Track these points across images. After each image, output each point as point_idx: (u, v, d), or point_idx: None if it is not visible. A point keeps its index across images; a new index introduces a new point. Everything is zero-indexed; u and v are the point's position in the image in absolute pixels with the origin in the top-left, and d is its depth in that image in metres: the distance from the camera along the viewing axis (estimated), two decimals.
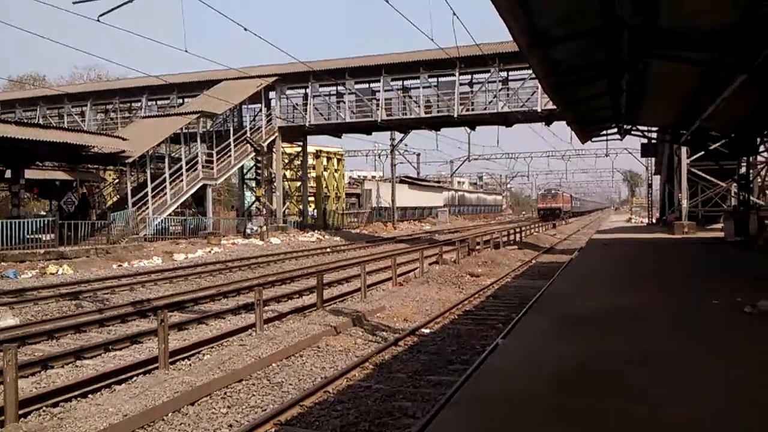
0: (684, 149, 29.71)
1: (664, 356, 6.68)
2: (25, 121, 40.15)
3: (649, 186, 61.97)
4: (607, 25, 10.04)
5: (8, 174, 29.15)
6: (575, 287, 12.43)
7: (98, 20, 13.51)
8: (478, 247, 26.70)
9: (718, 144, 26.32)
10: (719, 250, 20.94)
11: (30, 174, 29.77)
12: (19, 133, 24.23)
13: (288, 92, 41.03)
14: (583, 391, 5.53)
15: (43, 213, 39.41)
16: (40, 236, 25.29)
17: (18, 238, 23.86)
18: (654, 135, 30.21)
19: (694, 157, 30.35)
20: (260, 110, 41.18)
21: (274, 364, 9.09)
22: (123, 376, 8.66)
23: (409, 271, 20.07)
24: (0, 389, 7.01)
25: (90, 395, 8.02)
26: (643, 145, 32.34)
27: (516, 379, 5.99)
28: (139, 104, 45.47)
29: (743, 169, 27.08)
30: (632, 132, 26.46)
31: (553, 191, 79.32)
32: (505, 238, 31.46)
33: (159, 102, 45.73)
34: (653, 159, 47.58)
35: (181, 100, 43.39)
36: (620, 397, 5.33)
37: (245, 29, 14.63)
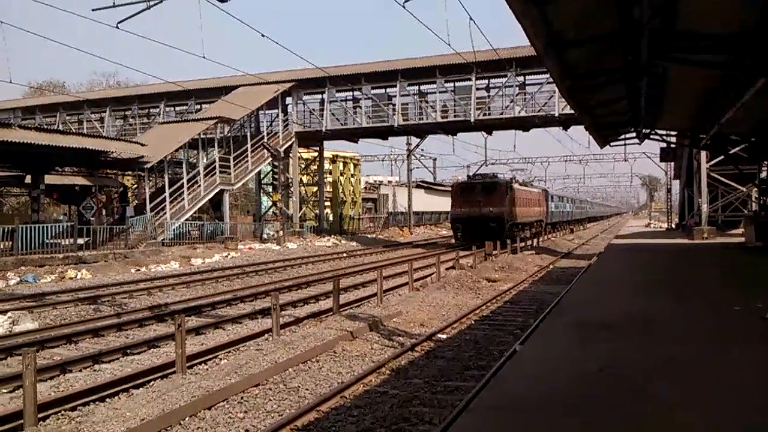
0: (703, 153, 29.41)
1: (683, 362, 6.59)
2: (46, 127, 40.61)
3: (668, 191, 61.41)
4: (625, 28, 9.97)
5: (28, 179, 29.51)
6: (594, 293, 12.32)
7: (117, 27, 13.64)
8: (494, 252, 26.58)
9: (738, 148, 26.01)
10: (739, 255, 20.68)
11: (50, 179, 30.13)
12: (40, 139, 24.49)
13: (305, 98, 41.16)
14: (601, 398, 5.47)
15: (62, 218, 39.85)
16: (59, 241, 25.53)
17: (37, 242, 24.11)
18: (673, 139, 29.92)
19: (714, 161, 30.01)
20: (277, 116, 41.32)
21: (290, 369, 9.08)
22: (141, 381, 8.69)
23: (425, 276, 20.02)
24: (19, 393, 7.06)
25: (108, 399, 8.05)
26: (662, 149, 32.02)
27: (534, 386, 5.94)
28: (157, 110, 45.84)
29: (764, 173, 26.74)
30: (651, 136, 26.26)
31: (488, 179, 36.19)
32: (522, 243, 31.29)
33: (177, 108, 46.07)
34: (672, 163, 47.15)
35: (198, 106, 43.68)
36: (639, 404, 5.26)
37: (262, 35, 14.76)
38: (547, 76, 27.97)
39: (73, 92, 58.41)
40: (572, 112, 22.12)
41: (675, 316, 9.39)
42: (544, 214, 46.16)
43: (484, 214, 33.54)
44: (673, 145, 31.02)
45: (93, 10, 13.82)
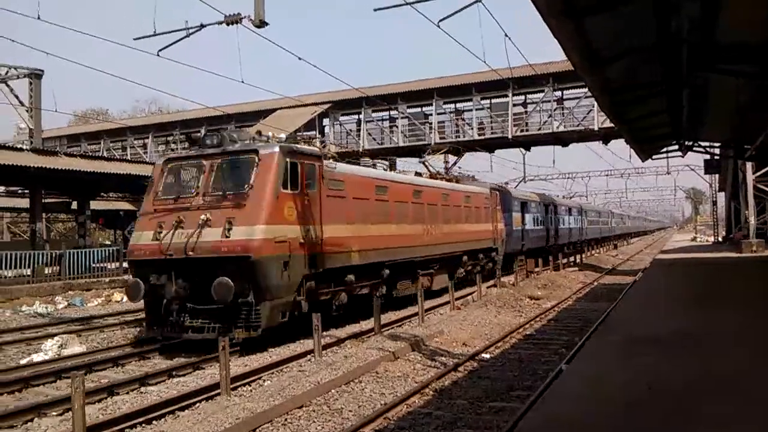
0: (749, 164, 28.72)
1: (733, 379, 6.39)
2: (90, 154, 41.70)
3: (714, 203, 59.98)
4: (663, 41, 9.83)
5: (75, 205, 30.27)
6: (640, 309, 12.06)
7: (158, 55, 13.96)
8: (536, 269, 26.26)
9: None
10: None
11: (95, 205, 30.87)
12: (85, 166, 25.14)
13: (341, 118, 41.51)
14: (652, 419, 5.32)
15: (107, 242, 40.75)
16: (105, 265, 26.08)
17: (84, 266, 24.67)
18: (717, 151, 29.29)
19: (760, 172, 29.26)
20: (314, 137, 41.73)
21: (333, 390, 9.06)
22: (186, 402, 8.77)
23: (466, 295, 19.86)
24: (68, 416, 7.18)
25: (154, 421, 8.14)
26: (706, 161, 31.35)
27: (582, 405, 5.81)
28: (198, 135, 46.68)
29: None
30: (694, 148, 25.75)
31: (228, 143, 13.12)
32: (564, 260, 30.87)
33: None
34: (717, 175, 46.09)
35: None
36: (691, 423, 5.10)
37: (299, 58, 14.88)
38: (585, 90, 27.71)
39: (116, 119, 59.96)
40: (612, 126, 21.82)
41: (725, 331, 9.13)
42: (502, 234, 25.98)
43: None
44: (717, 157, 30.37)
45: (135, 39, 14.19)
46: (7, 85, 28.00)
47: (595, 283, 25.02)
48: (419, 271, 17.95)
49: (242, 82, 18.81)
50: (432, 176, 22.37)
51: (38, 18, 12.10)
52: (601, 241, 55.11)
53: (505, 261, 26.19)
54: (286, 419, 7.86)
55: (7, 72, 24.03)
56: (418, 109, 38.90)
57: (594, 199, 77.85)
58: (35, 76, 25.12)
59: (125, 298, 21.41)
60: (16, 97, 29.01)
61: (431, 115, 38.14)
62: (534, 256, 30.10)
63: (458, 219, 21.27)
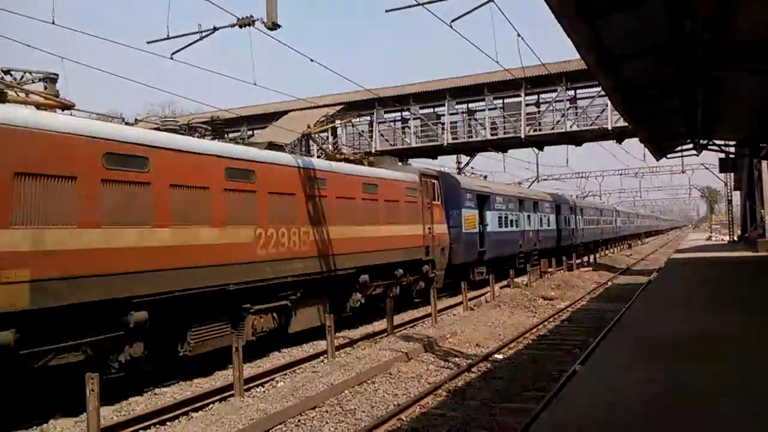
0: (764, 163, 28.46)
1: (750, 382, 6.32)
2: None
3: (729, 202, 59.45)
4: (677, 40, 9.76)
5: None
6: (655, 310, 11.97)
7: (171, 58, 14.01)
8: (550, 270, 26.15)
9: None
10: None
11: None
12: None
13: (354, 119, 41.55)
14: (667, 420, 5.28)
15: None
16: None
17: None
18: (732, 149, 29.04)
19: None
20: (327, 138, 41.81)
21: (346, 391, 9.07)
22: (200, 404, 8.82)
23: (480, 295, 19.81)
24: (83, 417, 7.24)
25: (168, 423, 8.19)
26: (721, 160, 31.08)
27: (596, 407, 5.77)
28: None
29: None
30: (709, 147, 25.54)
31: None
32: (578, 260, 30.72)
33: (230, 134, 47.04)
34: (732, 174, 45.68)
35: (251, 132, 44.53)
36: (706, 428, 5.06)
37: (311, 60, 14.89)
38: (599, 89, 27.55)
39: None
40: (626, 125, 21.69)
41: (741, 332, 9.04)
42: (442, 239, 19.66)
43: None
44: (732, 156, 30.12)
45: (148, 42, 14.24)
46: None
47: (610, 283, 24.88)
48: (249, 307, 11.51)
49: (255, 84, 18.87)
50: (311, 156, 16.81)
51: (53, 23, 12.17)
52: (603, 244, 48.68)
53: (458, 273, 21.16)
54: (299, 420, 7.88)
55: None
56: (431, 110, 38.89)
57: (608, 198, 77.10)
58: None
59: None
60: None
61: (443, 115, 38.10)
62: (500, 267, 24.18)
63: (348, 217, 14.72)
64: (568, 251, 33.71)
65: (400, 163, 20.77)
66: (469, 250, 22.28)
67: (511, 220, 27.52)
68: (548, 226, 33.34)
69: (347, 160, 16.87)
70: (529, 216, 30.08)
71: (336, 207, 14.31)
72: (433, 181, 19.73)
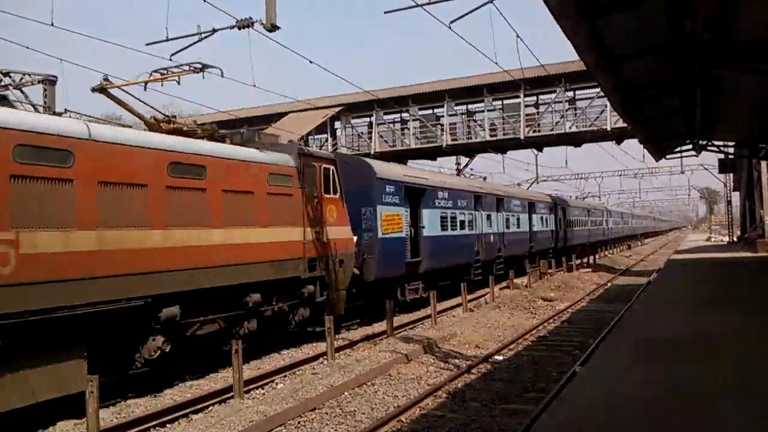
0: (764, 163, 28.47)
1: (749, 383, 6.31)
2: None
3: (728, 203, 59.48)
4: (677, 40, 9.76)
5: None
6: (654, 311, 11.96)
7: (170, 59, 14.01)
8: (549, 271, 26.15)
9: None
10: None
11: None
12: None
13: (353, 121, 41.56)
14: (668, 422, 5.26)
15: None
16: None
17: None
18: (731, 150, 29.04)
19: None
20: (326, 140, 41.81)
21: (346, 393, 9.06)
22: (199, 406, 8.80)
23: (479, 297, 19.79)
24: (83, 419, 7.22)
25: (168, 425, 8.17)
26: (720, 160, 31.08)
27: (596, 409, 5.76)
28: None
29: None
30: (708, 148, 25.53)
31: None
32: (578, 261, 30.71)
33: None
34: (732, 175, 45.69)
35: None
36: (706, 428, 5.05)
37: (310, 61, 14.90)
38: (598, 90, 27.57)
39: (131, 125, 60.14)
40: (625, 125, 21.68)
41: (741, 332, 9.03)
42: (339, 247, 14.06)
43: None
44: (731, 156, 30.12)
45: (147, 44, 14.25)
46: (22, 92, 28.29)
47: (609, 284, 24.88)
48: None
49: (254, 86, 18.83)
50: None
51: (51, 25, 12.17)
52: (591, 248, 42.92)
53: (379, 291, 16.43)
54: (299, 422, 7.86)
55: (22, 78, 24.29)
56: (430, 112, 38.89)
57: (607, 199, 76.94)
58: (49, 82, 25.34)
59: None
60: (31, 103, 29.22)
61: (443, 116, 38.11)
62: (447, 280, 20.19)
63: (133, 217, 9.16)
64: (546, 257, 29.80)
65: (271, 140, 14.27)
66: (391, 262, 16.75)
67: (462, 222, 21.91)
68: (518, 228, 28.41)
69: (160, 129, 11.78)
70: (489, 216, 24.80)
71: (102, 200, 8.70)
72: (326, 166, 14.07)
